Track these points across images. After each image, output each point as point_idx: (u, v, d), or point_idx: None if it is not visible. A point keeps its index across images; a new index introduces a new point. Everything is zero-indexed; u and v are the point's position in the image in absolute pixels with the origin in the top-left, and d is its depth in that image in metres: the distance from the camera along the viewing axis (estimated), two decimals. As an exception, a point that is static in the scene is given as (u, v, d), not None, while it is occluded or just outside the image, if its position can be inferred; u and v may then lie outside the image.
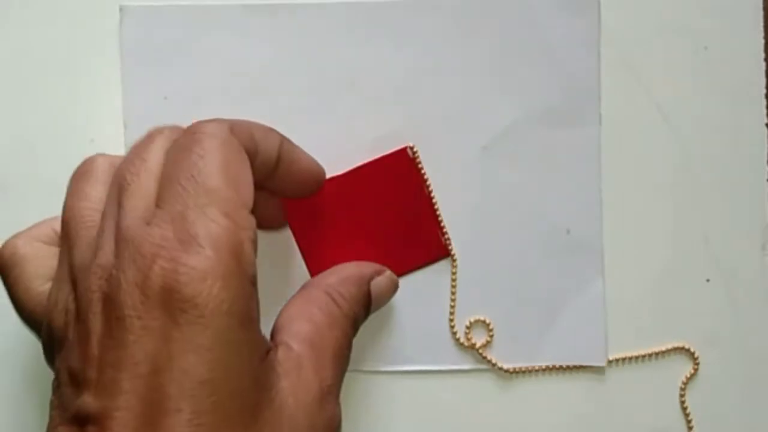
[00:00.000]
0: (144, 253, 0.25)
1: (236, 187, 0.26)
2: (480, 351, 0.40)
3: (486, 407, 0.41)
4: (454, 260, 0.37)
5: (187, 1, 0.41)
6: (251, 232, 0.26)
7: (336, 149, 0.40)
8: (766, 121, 0.41)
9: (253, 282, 0.25)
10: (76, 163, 0.40)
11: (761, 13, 0.42)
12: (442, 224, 0.36)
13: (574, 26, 0.41)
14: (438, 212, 0.36)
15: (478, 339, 0.40)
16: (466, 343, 0.40)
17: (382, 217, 0.36)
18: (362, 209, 0.35)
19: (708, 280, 0.41)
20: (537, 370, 0.41)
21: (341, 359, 0.30)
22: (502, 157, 0.41)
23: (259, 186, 0.30)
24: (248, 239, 0.26)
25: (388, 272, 0.35)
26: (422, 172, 0.35)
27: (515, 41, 0.41)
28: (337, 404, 0.29)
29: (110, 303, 0.25)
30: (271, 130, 0.32)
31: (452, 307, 0.40)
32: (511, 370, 0.40)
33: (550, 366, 0.40)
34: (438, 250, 0.36)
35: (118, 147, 0.41)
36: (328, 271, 0.35)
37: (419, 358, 0.40)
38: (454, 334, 0.40)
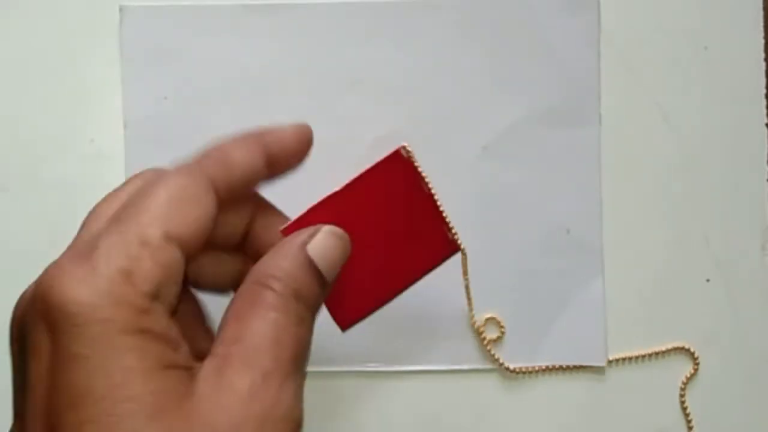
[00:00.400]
0: (43, 274, 0.26)
1: (160, 217, 0.27)
2: (489, 349, 0.40)
3: (490, 406, 0.41)
4: (464, 255, 0.36)
5: (187, 1, 0.40)
6: (162, 254, 0.26)
7: (337, 149, 0.40)
8: (766, 121, 0.41)
9: (152, 297, 0.25)
10: (75, 163, 0.41)
11: (761, 13, 0.42)
12: (447, 220, 0.35)
13: (573, 26, 0.41)
14: (442, 208, 0.35)
15: (490, 336, 0.41)
16: (486, 340, 0.40)
17: (388, 225, 0.34)
18: (366, 220, 0.34)
19: (708, 280, 0.41)
20: (538, 370, 0.41)
21: (283, 342, 0.27)
22: (503, 157, 0.41)
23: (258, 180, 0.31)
24: (150, 259, 0.26)
25: (326, 227, 0.31)
26: (419, 170, 0.34)
27: (515, 41, 0.41)
28: (284, 388, 0.27)
29: (18, 329, 0.26)
30: (249, 145, 0.31)
31: (469, 300, 0.39)
32: (516, 369, 0.40)
33: (551, 366, 0.41)
34: (449, 246, 0.35)
35: (118, 147, 0.41)
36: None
37: (427, 358, 0.41)
38: (477, 330, 0.40)
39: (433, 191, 0.33)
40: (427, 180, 0.34)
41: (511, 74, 0.41)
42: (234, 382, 0.26)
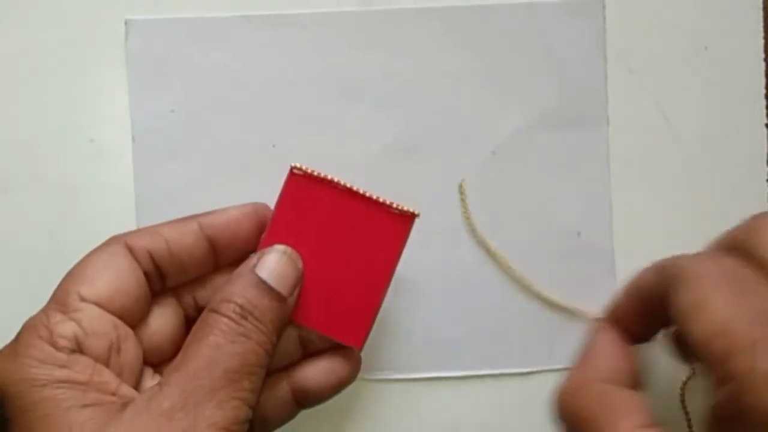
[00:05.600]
0: None
1: (76, 285, 0.32)
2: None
3: (497, 410, 0.41)
4: (417, 216, 0.35)
5: (192, 13, 0.41)
6: (79, 314, 0.31)
7: (342, 158, 0.40)
8: (766, 121, 0.42)
9: (70, 351, 0.30)
10: (75, 163, 0.41)
11: (761, 13, 0.42)
12: (381, 200, 0.33)
13: (578, 29, 0.41)
14: (368, 194, 0.33)
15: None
16: None
17: (336, 234, 0.34)
18: (314, 239, 0.34)
19: (708, 280, 0.41)
20: (549, 371, 0.41)
21: (217, 360, 0.30)
22: (512, 161, 0.41)
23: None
24: (67, 320, 0.31)
25: (271, 247, 0.33)
26: (322, 175, 0.34)
27: (521, 46, 0.41)
28: (208, 406, 0.29)
29: None
30: (179, 221, 0.35)
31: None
32: (526, 372, 0.41)
33: (563, 368, 0.40)
34: (402, 220, 0.34)
35: (117, 146, 0.41)
36: None
37: (436, 365, 0.41)
38: None
39: (348, 184, 0.34)
40: (335, 179, 0.34)
41: (518, 78, 0.41)
42: (159, 404, 0.29)
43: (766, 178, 0.41)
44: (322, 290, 0.34)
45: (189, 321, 0.35)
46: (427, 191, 0.41)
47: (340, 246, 0.34)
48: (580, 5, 0.41)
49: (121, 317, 0.32)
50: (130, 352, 0.32)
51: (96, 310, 0.31)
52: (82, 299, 0.31)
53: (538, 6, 0.41)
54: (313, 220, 0.34)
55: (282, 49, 0.41)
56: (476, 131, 0.41)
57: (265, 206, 0.35)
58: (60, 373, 0.29)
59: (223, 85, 0.41)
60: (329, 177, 0.34)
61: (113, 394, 0.30)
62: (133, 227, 0.40)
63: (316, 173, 0.34)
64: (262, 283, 0.32)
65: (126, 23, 0.41)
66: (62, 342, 0.30)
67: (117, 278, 0.32)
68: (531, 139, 0.41)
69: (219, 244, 0.34)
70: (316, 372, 0.35)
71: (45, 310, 0.31)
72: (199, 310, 0.33)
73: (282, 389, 0.35)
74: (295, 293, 0.33)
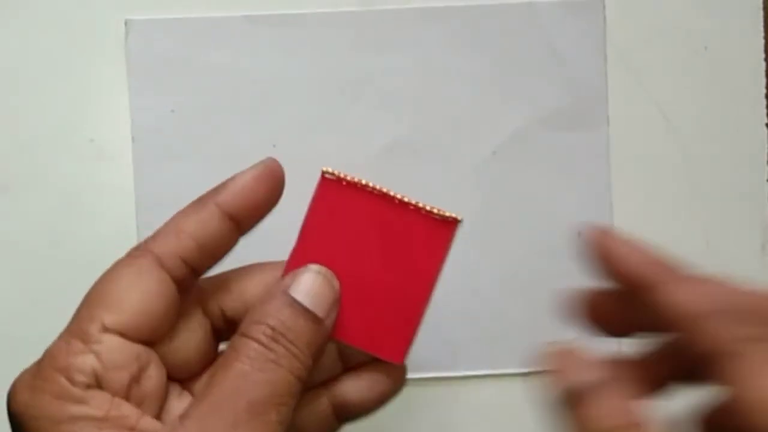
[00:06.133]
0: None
1: (98, 311, 0.29)
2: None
3: (497, 410, 0.41)
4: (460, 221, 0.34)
5: (192, 13, 0.41)
6: (99, 346, 0.29)
7: (344, 158, 0.41)
8: (766, 121, 0.42)
9: (87, 387, 0.29)
10: (75, 163, 0.41)
11: (761, 13, 0.42)
12: (421, 204, 0.31)
13: (579, 29, 0.41)
14: (406, 199, 0.31)
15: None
16: None
17: (373, 243, 0.32)
18: (351, 250, 0.32)
19: (708, 280, 0.41)
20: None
21: (242, 390, 0.28)
22: (512, 161, 0.41)
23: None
24: (87, 353, 0.29)
25: (306, 267, 0.31)
26: (355, 180, 0.31)
27: (522, 46, 0.41)
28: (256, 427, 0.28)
29: None
30: (200, 211, 0.32)
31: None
32: (526, 372, 0.41)
33: None
34: (445, 226, 0.31)
35: (117, 146, 0.41)
36: None
37: (436, 365, 0.41)
38: None
39: (384, 189, 0.31)
40: (370, 183, 0.31)
41: (519, 79, 0.41)
42: None
43: (766, 178, 0.41)
44: (359, 303, 0.32)
45: (216, 332, 0.33)
46: (427, 191, 0.41)
47: (378, 255, 0.32)
48: (580, 5, 0.41)
49: (145, 342, 0.30)
50: (153, 379, 0.31)
51: (118, 342, 0.29)
52: (105, 329, 0.29)
53: (538, 6, 0.41)
54: (348, 228, 0.32)
55: (282, 49, 0.41)
56: (476, 131, 0.41)
57: (274, 161, 0.33)
58: (76, 410, 0.28)
59: (223, 85, 0.41)
60: (363, 181, 0.31)
61: (132, 429, 0.28)
62: (133, 227, 0.40)
63: (349, 178, 0.31)
64: (297, 304, 0.30)
65: (126, 23, 0.41)
66: (79, 377, 0.28)
67: (144, 300, 0.30)
68: (531, 139, 0.41)
69: (240, 217, 0.32)
70: (357, 386, 0.33)
71: (66, 337, 0.30)
72: (226, 320, 0.32)
73: (322, 405, 0.33)
74: (332, 315, 0.31)
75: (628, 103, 0.41)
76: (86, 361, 0.29)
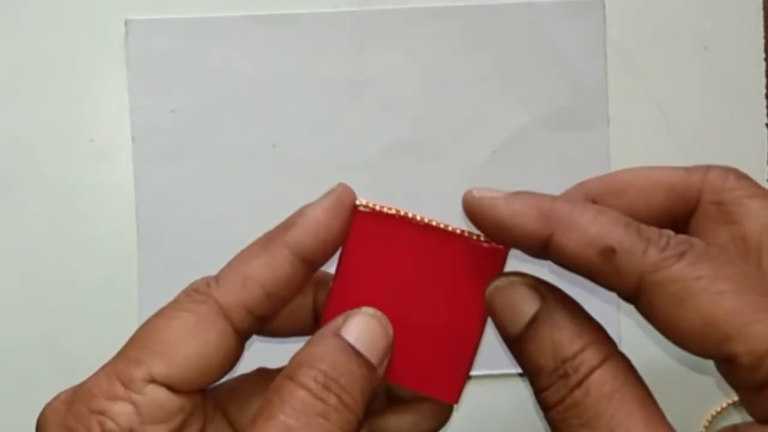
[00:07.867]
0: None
1: (149, 358, 0.27)
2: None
3: (497, 410, 0.41)
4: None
5: (192, 13, 0.41)
6: (141, 397, 0.26)
7: (346, 158, 0.41)
8: (766, 121, 0.42)
9: None
10: (75, 163, 0.41)
11: (761, 13, 0.42)
12: (466, 231, 0.29)
13: (579, 29, 0.41)
14: (450, 227, 0.29)
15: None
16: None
17: (419, 276, 0.29)
18: (395, 286, 0.30)
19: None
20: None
21: None
22: (512, 161, 0.41)
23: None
24: (127, 401, 0.26)
25: (359, 309, 0.28)
26: (392, 210, 0.28)
27: (522, 47, 0.41)
28: None
29: None
30: (270, 254, 0.29)
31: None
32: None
33: None
34: (495, 254, 0.29)
35: (117, 146, 0.41)
36: None
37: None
38: None
39: (426, 218, 0.29)
40: (408, 213, 0.29)
41: (519, 79, 0.41)
42: None
43: (766, 178, 0.41)
44: (408, 342, 0.29)
45: (237, 333, 0.30)
46: (427, 191, 0.41)
47: (423, 289, 0.29)
48: (580, 5, 0.41)
49: (193, 394, 0.28)
50: (195, 426, 0.28)
51: (163, 394, 0.27)
52: (151, 379, 0.26)
53: (538, 6, 0.41)
54: (388, 262, 0.29)
55: (284, 48, 0.41)
56: (476, 131, 0.41)
57: (346, 188, 0.29)
58: None
59: (223, 85, 0.41)
60: (402, 212, 0.29)
61: None
62: (133, 227, 0.40)
63: (386, 209, 0.29)
64: (350, 348, 0.27)
65: (126, 23, 0.41)
66: (112, 426, 0.26)
67: (201, 354, 0.27)
68: (531, 139, 0.41)
69: (313, 258, 0.29)
70: (402, 422, 0.31)
71: (109, 372, 0.27)
72: (255, 318, 0.29)
73: None
74: (385, 363, 0.28)
75: (628, 103, 0.41)
76: (123, 413, 0.26)
